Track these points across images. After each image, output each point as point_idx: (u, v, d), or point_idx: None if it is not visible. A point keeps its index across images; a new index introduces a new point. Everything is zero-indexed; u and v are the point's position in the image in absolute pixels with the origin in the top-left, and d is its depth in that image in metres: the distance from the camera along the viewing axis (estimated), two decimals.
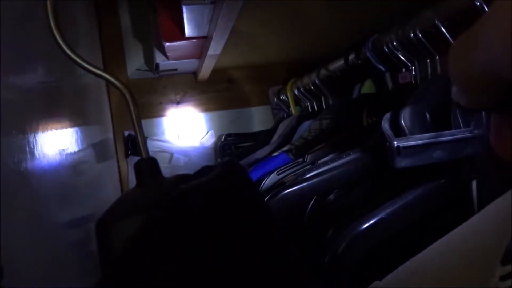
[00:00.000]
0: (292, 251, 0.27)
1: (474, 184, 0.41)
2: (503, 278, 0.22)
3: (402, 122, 0.49)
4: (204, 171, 0.30)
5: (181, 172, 0.31)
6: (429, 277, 0.32)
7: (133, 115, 0.30)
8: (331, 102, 1.15)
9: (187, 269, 0.22)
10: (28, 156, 0.63)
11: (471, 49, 0.22)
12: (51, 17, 0.28)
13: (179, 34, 1.04)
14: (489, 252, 0.26)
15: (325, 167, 0.54)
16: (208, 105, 1.54)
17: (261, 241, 0.25)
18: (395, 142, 0.39)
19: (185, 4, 0.86)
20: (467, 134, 0.39)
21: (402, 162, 0.41)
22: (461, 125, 0.42)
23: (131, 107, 0.30)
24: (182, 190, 0.26)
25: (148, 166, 0.30)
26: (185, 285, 0.21)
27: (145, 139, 0.31)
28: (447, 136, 0.39)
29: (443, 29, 0.61)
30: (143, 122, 1.26)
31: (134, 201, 0.28)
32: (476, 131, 0.39)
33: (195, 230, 0.23)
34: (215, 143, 1.53)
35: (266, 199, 0.52)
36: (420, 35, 0.67)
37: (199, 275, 0.22)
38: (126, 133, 1.37)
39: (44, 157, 0.69)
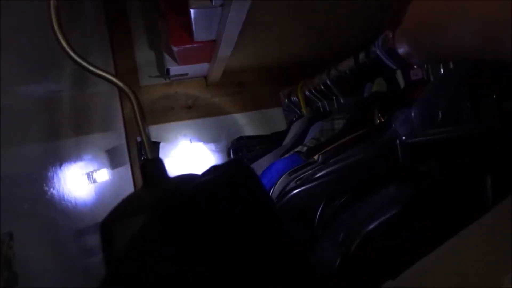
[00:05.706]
0: (299, 250, 0.26)
1: (488, 179, 0.41)
2: None
3: (413, 118, 0.48)
4: (210, 170, 0.30)
5: None
6: (443, 275, 0.31)
7: (137, 115, 0.30)
8: (342, 102, 1.14)
9: (186, 267, 0.21)
10: (42, 165, 0.64)
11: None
12: (54, 17, 0.28)
13: (188, 38, 1.05)
14: (503, 249, 0.25)
15: (336, 166, 0.53)
16: (219, 109, 1.55)
17: (264, 240, 0.25)
18: (405, 138, 0.39)
19: (193, 8, 0.86)
20: (478, 129, 0.38)
21: (412, 159, 0.40)
22: (473, 120, 0.41)
23: (135, 107, 0.30)
24: (183, 189, 0.25)
25: (153, 167, 0.30)
26: (184, 283, 0.21)
27: (150, 139, 0.31)
28: (458, 131, 0.38)
29: None
30: (156, 127, 1.26)
31: (137, 201, 0.28)
32: (487, 126, 0.38)
33: (195, 229, 0.23)
34: (228, 147, 1.53)
35: (276, 199, 0.52)
36: None
37: (199, 273, 0.21)
38: (139, 139, 1.38)
39: (57, 165, 0.70)
